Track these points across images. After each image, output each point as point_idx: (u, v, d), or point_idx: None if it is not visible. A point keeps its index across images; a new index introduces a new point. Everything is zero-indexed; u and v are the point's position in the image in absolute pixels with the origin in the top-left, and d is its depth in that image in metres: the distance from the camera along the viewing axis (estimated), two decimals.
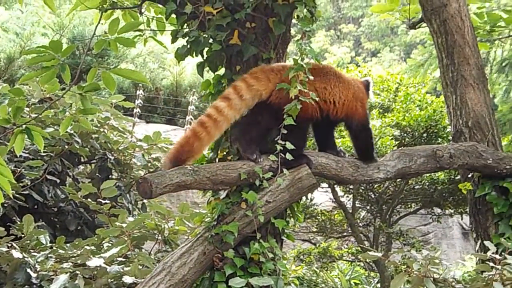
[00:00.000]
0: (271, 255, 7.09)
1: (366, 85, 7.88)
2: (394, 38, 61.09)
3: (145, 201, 10.84)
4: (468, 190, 8.94)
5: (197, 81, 30.34)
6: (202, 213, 8.11)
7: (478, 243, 8.78)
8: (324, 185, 15.78)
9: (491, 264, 6.59)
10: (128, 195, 10.74)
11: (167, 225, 8.69)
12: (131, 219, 8.77)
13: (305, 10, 6.98)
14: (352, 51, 60.55)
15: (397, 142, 15.16)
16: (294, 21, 7.43)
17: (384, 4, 10.42)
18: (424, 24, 9.60)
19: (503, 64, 13.13)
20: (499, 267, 6.55)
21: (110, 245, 8.35)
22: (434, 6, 9.08)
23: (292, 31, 7.65)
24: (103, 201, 8.86)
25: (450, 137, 9.85)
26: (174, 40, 7.50)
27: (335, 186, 15.67)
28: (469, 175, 8.97)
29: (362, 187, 16.11)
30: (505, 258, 6.61)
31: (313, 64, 7.13)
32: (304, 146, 7.37)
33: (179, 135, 25.20)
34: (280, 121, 6.86)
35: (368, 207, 17.22)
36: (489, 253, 6.81)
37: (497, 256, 6.66)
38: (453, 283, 6.90)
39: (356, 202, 16.92)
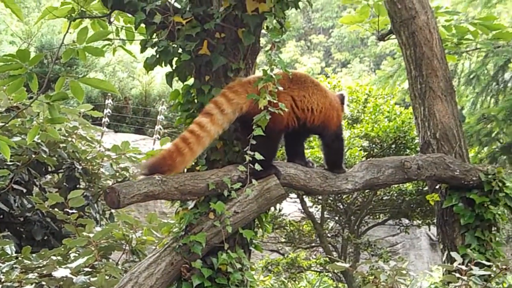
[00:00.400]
0: (239, 266, 7.07)
1: (341, 98, 7.91)
2: (364, 49, 61.40)
3: (113, 211, 10.77)
4: (435, 201, 9.01)
5: (166, 91, 30.30)
6: (170, 223, 8.06)
7: (445, 254, 8.85)
8: (293, 195, 15.82)
9: (457, 275, 6.63)
10: (95, 205, 10.67)
11: (135, 235, 8.64)
12: (98, 229, 8.70)
13: (274, 21, 6.98)
14: (322, 62, 60.73)
15: (365, 153, 15.24)
16: (263, 31, 7.44)
17: (353, 16, 10.48)
18: (393, 36, 9.67)
19: (471, 77, 13.26)
20: (465, 278, 6.59)
21: (76, 255, 8.26)
22: (403, 18, 9.17)
23: (262, 41, 7.66)
24: (70, 211, 8.79)
25: (418, 148, 9.92)
26: (143, 49, 7.47)
27: (304, 196, 15.71)
28: (437, 187, 9.05)
29: (331, 198, 16.17)
30: (471, 269, 6.66)
31: (293, 75, 7.23)
32: (274, 156, 7.35)
33: (148, 145, 25.32)
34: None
35: (336, 218, 17.29)
36: (455, 264, 6.85)
37: (463, 267, 6.71)
38: None
39: (325, 212, 16.98)
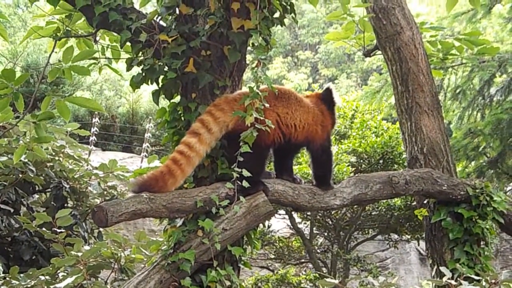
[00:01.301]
0: (228, 283, 7.06)
1: (327, 94, 7.92)
2: (351, 65, 61.52)
3: (101, 229, 10.74)
4: (424, 216, 9.02)
5: (153, 109, 30.32)
6: (158, 241, 8.05)
7: (434, 269, 8.83)
8: (282, 212, 15.82)
9: None
10: (84, 224, 10.63)
11: (123, 253, 8.61)
12: (87, 247, 8.67)
13: (260, 38, 7.00)
14: (310, 78, 60.79)
15: (353, 169, 15.27)
16: (249, 48, 7.46)
17: (339, 32, 10.50)
18: (379, 52, 9.70)
19: (457, 91, 13.33)
20: None
21: (65, 274, 8.23)
22: (388, 34, 9.21)
23: (249, 58, 7.68)
24: (58, 230, 8.75)
25: (406, 163, 9.93)
26: (129, 68, 7.48)
27: (293, 213, 15.71)
28: (425, 201, 9.05)
29: (320, 214, 16.18)
30: (460, 283, 6.65)
31: (278, 91, 7.29)
32: (261, 172, 7.36)
33: (135, 163, 25.28)
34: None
35: (325, 234, 17.29)
36: (444, 279, 6.85)
37: (453, 282, 6.70)
38: None
39: (314, 228, 16.99)
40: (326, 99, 7.92)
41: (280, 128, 7.30)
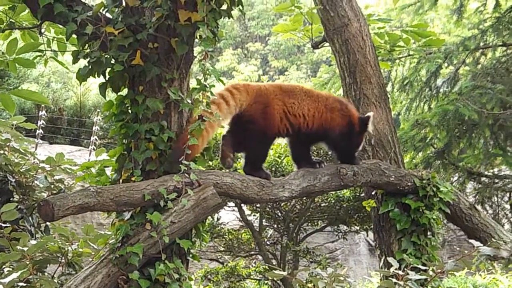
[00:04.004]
0: (176, 276, 7.04)
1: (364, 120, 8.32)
2: (301, 56, 61.74)
3: (48, 223, 10.61)
4: (372, 207, 9.08)
5: (101, 101, 30.07)
6: (106, 235, 8.00)
7: (382, 260, 8.90)
8: (231, 204, 15.80)
9: (394, 280, 6.68)
10: (30, 218, 10.47)
11: (71, 247, 8.53)
12: (33, 242, 8.56)
13: (207, 31, 6.98)
14: (260, 69, 60.91)
15: None
16: (197, 40, 7.43)
17: (287, 24, 10.52)
18: (327, 44, 9.74)
19: (404, 83, 13.45)
20: (401, 283, 6.64)
21: (10, 269, 8.12)
22: (336, 26, 9.25)
23: (197, 51, 7.66)
24: (3, 225, 8.64)
25: None
26: (75, 60, 7.38)
27: (242, 205, 15.70)
28: (373, 193, 9.11)
29: (269, 206, 16.18)
30: (407, 273, 6.71)
31: (282, 85, 7.99)
32: (264, 160, 7.91)
33: (83, 156, 25.08)
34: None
35: (275, 226, 17.30)
36: (392, 269, 6.90)
37: (400, 272, 6.76)
38: None
39: (263, 220, 16.99)
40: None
41: (288, 117, 7.77)
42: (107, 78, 7.41)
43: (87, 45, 7.37)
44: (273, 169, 14.59)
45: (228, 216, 18.70)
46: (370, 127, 8.36)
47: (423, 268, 7.24)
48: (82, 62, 7.42)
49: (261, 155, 7.88)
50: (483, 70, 12.30)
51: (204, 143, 7.34)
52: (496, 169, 13.62)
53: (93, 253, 8.52)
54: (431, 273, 6.95)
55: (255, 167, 7.71)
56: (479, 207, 9.87)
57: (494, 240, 7.96)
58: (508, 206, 12.97)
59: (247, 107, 7.56)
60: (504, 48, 12.67)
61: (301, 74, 58.46)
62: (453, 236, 24.21)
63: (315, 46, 10.27)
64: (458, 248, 24.25)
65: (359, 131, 8.26)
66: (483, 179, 13.07)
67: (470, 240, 7.29)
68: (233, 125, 7.75)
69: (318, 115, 7.94)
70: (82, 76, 7.37)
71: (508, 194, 13.06)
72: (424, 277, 6.82)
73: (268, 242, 17.45)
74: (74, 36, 7.37)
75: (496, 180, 12.99)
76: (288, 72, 59.46)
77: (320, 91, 8.46)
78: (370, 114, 8.46)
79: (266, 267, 16.30)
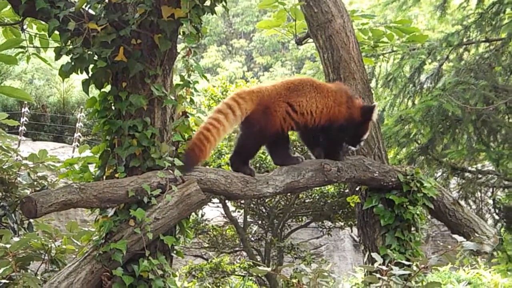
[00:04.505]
0: (160, 272, 7.04)
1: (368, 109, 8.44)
2: (285, 53, 61.78)
3: (31, 220, 10.58)
4: (356, 203, 9.08)
5: (85, 98, 29.68)
6: (90, 231, 7.98)
7: (366, 255, 8.93)
8: (216, 200, 15.78)
9: (378, 275, 6.70)
10: (13, 215, 10.43)
11: (54, 244, 8.50)
12: (16, 239, 8.53)
13: (190, 27, 6.99)
14: (244, 66, 60.91)
15: None
16: (180, 37, 7.42)
17: (270, 20, 10.52)
18: (311, 40, 9.74)
19: (388, 79, 13.46)
20: (385, 278, 6.66)
21: None
22: (320, 22, 9.25)
23: (181, 47, 7.65)
24: None
25: None
26: (58, 57, 7.34)
27: (226, 201, 15.69)
28: (357, 188, 9.13)
29: (254, 202, 16.19)
30: (391, 269, 6.72)
31: (290, 80, 8.05)
32: (252, 157, 8.23)
33: (67, 153, 24.99)
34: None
35: (259, 222, 17.31)
36: (376, 265, 6.92)
37: (384, 267, 6.77)
38: None
39: (248, 216, 16.99)
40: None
41: (292, 116, 7.88)
42: (90, 75, 7.38)
43: (69, 41, 7.33)
44: (257, 165, 14.57)
45: (213, 213, 18.70)
46: (375, 116, 8.43)
47: (407, 263, 7.23)
48: (65, 59, 7.38)
49: (251, 151, 8.06)
50: (466, 66, 12.32)
51: (212, 149, 7.60)
52: (479, 165, 13.65)
53: (76, 250, 8.50)
54: (415, 268, 6.95)
55: (242, 161, 7.82)
56: (462, 203, 9.91)
57: (477, 235, 7.99)
58: (491, 201, 13.01)
59: (253, 111, 7.69)
60: (487, 44, 12.70)
61: (285, 71, 58.46)
62: (437, 232, 24.28)
63: (299, 42, 10.28)
64: (441, 243, 24.28)
65: (362, 120, 8.34)
66: (466, 174, 13.10)
67: (454, 235, 7.29)
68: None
69: (327, 111, 8.05)
70: (65, 72, 7.33)
71: (491, 190, 13.10)
72: (408, 272, 6.83)
73: (252, 238, 17.45)
74: (56, 32, 7.33)
75: (480, 176, 13.02)
76: (272, 69, 59.47)
77: (329, 84, 8.51)
78: (376, 103, 8.62)
79: (251, 263, 16.31)
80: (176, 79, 7.58)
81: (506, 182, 12.67)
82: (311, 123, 8.00)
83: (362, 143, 8.61)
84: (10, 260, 7.91)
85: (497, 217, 12.77)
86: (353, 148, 8.65)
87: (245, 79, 31.12)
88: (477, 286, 19.32)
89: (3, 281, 7.74)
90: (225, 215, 16.64)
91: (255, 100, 7.70)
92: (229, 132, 7.91)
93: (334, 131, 8.18)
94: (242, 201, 15.99)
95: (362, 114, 8.32)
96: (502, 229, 12.54)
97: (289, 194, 14.99)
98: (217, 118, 7.45)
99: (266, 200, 16.18)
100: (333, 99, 8.08)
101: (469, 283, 19.44)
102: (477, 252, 8.45)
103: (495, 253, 12.25)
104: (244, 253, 18.05)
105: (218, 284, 16.56)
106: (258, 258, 16.67)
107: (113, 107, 7.41)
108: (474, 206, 12.94)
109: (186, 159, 7.24)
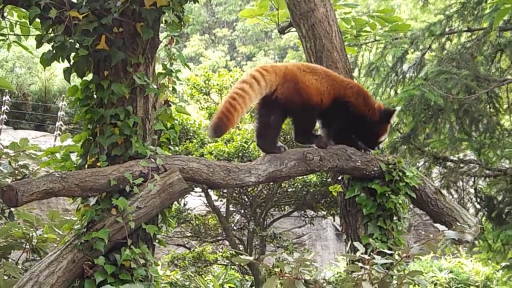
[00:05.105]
0: (142, 261, 7.05)
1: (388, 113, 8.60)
2: (268, 42, 61.79)
3: (12, 209, 10.55)
4: (338, 192, 9.08)
5: (67, 87, 29.59)
6: (72, 220, 7.97)
7: (349, 244, 8.93)
8: (198, 189, 15.78)
9: (360, 264, 6.72)
10: None
11: (35, 233, 8.49)
12: None
13: (172, 15, 6.97)
14: (227, 55, 60.87)
15: None
16: (162, 25, 7.40)
17: (253, 9, 10.51)
18: (294, 29, 9.74)
19: (371, 68, 13.46)
20: (367, 267, 6.68)
21: None
22: (302, 11, 9.23)
23: (164, 35, 7.62)
24: None
25: None
26: (39, 45, 7.31)
27: (209, 190, 15.68)
28: (339, 177, 9.13)
29: (236, 191, 16.18)
30: (373, 258, 6.75)
31: (296, 64, 8.32)
32: (313, 128, 8.44)
33: (49, 141, 24.88)
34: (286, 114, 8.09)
35: (242, 211, 17.30)
36: (358, 254, 6.93)
37: (366, 256, 6.79)
38: (324, 284, 7.01)
39: (230, 206, 16.98)
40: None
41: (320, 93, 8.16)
42: (71, 63, 7.35)
43: (51, 29, 7.30)
44: (240, 154, 14.57)
45: (195, 202, 18.67)
46: (393, 119, 8.67)
47: (389, 252, 7.27)
48: (46, 47, 7.34)
49: (310, 125, 8.35)
50: (448, 55, 12.33)
51: (239, 118, 7.74)
52: (461, 154, 13.68)
53: (58, 239, 8.50)
54: (397, 257, 6.98)
55: (306, 136, 8.32)
56: (444, 192, 9.97)
57: (459, 224, 8.04)
58: (472, 191, 13.05)
59: (278, 89, 7.86)
60: (469, 34, 12.73)
61: (268, 60, 58.48)
62: (419, 221, 24.37)
63: (282, 31, 10.27)
64: (423, 233, 24.42)
65: (378, 120, 8.50)
66: (448, 164, 13.12)
67: (436, 224, 7.32)
68: (262, 112, 8.10)
69: (334, 92, 8.26)
70: (46, 60, 7.30)
71: (473, 179, 13.14)
72: (390, 261, 6.86)
73: (235, 228, 17.44)
74: (37, 20, 7.29)
75: (462, 165, 13.05)
76: (255, 58, 59.46)
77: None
78: (398, 108, 8.92)
79: (233, 252, 16.31)
80: (159, 68, 7.57)
81: (487, 172, 12.69)
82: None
83: (381, 146, 8.78)
84: None
85: (478, 206, 12.79)
86: (372, 151, 8.73)
87: (228, 68, 31.10)
88: (458, 275, 19.43)
89: None
90: (207, 204, 16.61)
91: (279, 73, 7.87)
92: (254, 102, 7.86)
93: (342, 114, 8.35)
94: (225, 190, 15.97)
95: (381, 115, 8.47)
96: (484, 218, 12.57)
97: (271, 183, 14.97)
98: (242, 88, 7.62)
99: (249, 189, 16.17)
100: (339, 82, 8.35)
101: (451, 272, 19.55)
102: (458, 241, 8.49)
103: (476, 242, 12.29)
104: (227, 242, 18.04)
105: (200, 273, 16.57)
106: (241, 247, 16.67)
107: (95, 96, 7.39)
108: (456, 196, 12.98)
109: (214, 128, 7.41)
